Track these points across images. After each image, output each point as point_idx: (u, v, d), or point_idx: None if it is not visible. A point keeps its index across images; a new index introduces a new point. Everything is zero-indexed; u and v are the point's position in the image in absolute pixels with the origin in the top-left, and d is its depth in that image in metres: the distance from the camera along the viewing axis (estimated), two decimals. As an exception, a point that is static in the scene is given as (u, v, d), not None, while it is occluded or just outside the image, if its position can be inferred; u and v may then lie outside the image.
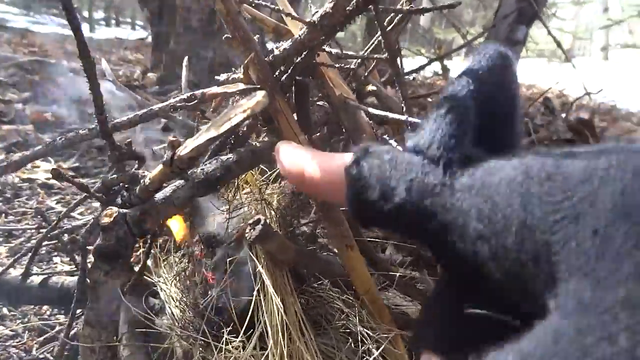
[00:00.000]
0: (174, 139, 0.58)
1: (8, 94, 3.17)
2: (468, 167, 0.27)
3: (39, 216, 1.44)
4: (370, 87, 1.07)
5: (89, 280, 0.76)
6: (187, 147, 0.55)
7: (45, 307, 1.14)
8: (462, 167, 0.27)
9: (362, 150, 0.32)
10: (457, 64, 5.43)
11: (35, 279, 0.97)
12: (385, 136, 0.82)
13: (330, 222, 0.82)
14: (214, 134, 0.51)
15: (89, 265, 0.77)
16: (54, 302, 0.99)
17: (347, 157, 0.33)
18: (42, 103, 3.15)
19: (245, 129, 0.92)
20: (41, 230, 1.49)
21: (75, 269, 1.17)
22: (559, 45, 2.61)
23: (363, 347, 0.77)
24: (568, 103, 3.56)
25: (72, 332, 0.91)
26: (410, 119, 0.71)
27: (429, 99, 3.12)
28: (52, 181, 2.08)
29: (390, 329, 0.76)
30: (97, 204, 1.75)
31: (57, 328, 1.08)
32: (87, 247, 0.76)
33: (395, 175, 0.28)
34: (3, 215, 1.67)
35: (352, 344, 0.79)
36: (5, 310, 1.12)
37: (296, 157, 0.38)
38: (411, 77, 1.61)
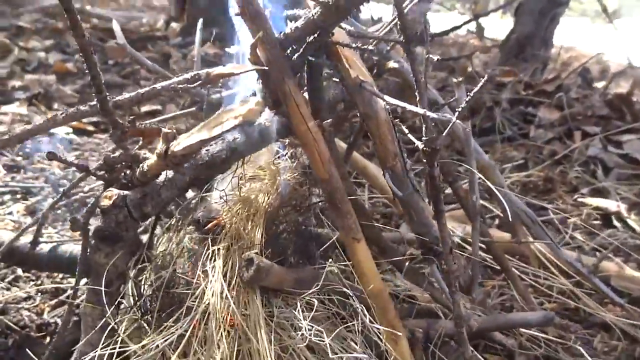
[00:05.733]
0: (169, 130, 0.54)
1: (31, 41, 3.15)
2: None
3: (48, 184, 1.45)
4: (392, 64, 1.00)
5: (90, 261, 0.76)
6: (180, 144, 0.51)
7: (57, 271, 1.17)
8: None
9: None
10: (494, 22, 5.12)
11: (45, 247, 0.97)
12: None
13: (337, 214, 0.78)
14: (206, 136, 0.47)
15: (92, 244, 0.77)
16: (62, 269, 1.00)
17: None
18: (66, 52, 3.12)
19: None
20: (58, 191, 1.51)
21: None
22: (604, 10, 2.43)
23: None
24: (607, 71, 3.34)
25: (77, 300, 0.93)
26: (428, 113, 0.65)
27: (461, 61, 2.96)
28: (71, 136, 2.10)
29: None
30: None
31: (68, 292, 1.10)
32: (88, 227, 0.75)
33: None
34: (22, 171, 1.69)
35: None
36: (19, 272, 1.15)
37: None
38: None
